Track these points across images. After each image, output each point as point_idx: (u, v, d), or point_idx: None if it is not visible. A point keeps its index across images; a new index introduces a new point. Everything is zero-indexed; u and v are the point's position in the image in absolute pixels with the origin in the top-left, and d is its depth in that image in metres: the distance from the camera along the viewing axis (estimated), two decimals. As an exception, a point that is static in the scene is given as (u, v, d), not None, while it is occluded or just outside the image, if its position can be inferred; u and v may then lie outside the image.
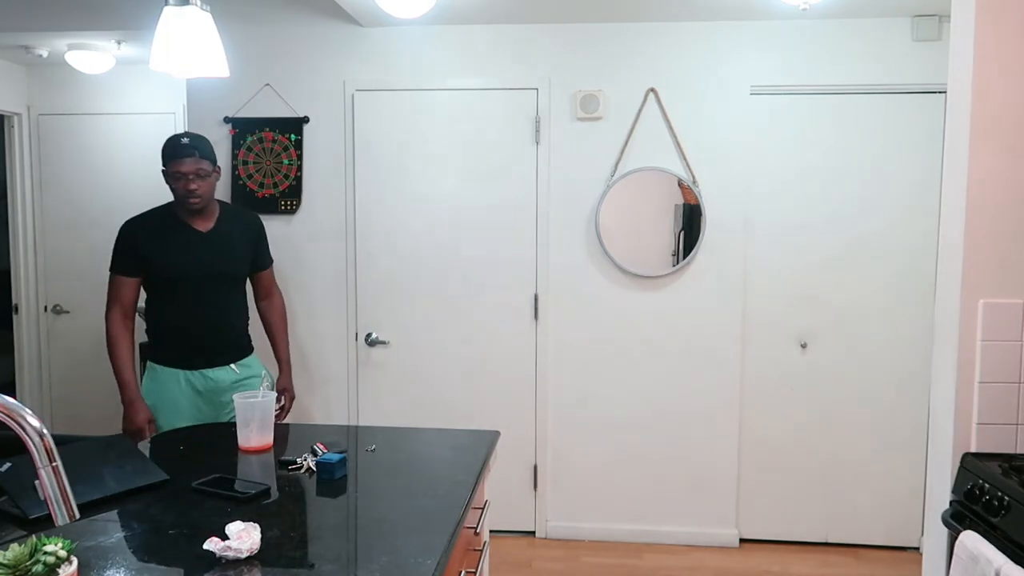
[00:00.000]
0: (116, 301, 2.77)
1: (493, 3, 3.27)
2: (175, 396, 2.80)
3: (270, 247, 3.09)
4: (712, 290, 3.58)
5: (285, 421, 3.05)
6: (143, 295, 2.88)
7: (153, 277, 2.79)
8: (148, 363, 2.86)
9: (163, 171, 2.74)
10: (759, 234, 3.56)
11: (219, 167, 2.83)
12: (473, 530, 1.89)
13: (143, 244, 2.75)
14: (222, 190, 3.70)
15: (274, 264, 3.09)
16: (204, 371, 2.82)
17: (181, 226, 2.78)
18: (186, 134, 2.76)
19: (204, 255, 2.79)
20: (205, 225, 2.81)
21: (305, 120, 3.68)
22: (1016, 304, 2.08)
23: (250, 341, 3.01)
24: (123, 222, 2.81)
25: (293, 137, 3.68)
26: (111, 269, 2.79)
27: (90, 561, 1.42)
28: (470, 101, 3.62)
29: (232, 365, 2.88)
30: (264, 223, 3.08)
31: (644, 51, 3.53)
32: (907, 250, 3.49)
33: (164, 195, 2.81)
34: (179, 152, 2.68)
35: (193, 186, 2.68)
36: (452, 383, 3.72)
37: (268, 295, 3.14)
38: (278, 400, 3.01)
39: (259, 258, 3.04)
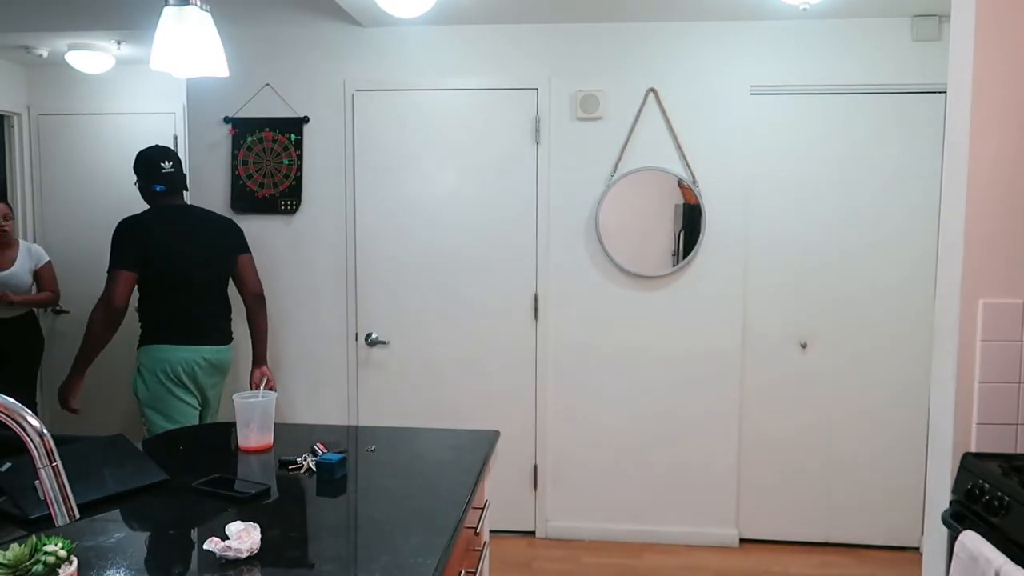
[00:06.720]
0: None
1: (493, 3, 3.27)
2: None
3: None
4: (712, 290, 3.58)
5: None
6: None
7: None
8: None
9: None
10: (759, 234, 3.56)
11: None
12: (473, 530, 1.89)
13: None
14: (222, 190, 3.72)
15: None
16: None
17: None
18: None
19: None
20: None
21: (305, 120, 3.68)
22: (1016, 304, 2.08)
23: None
24: None
25: (293, 137, 3.68)
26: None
27: (90, 561, 1.42)
28: (470, 101, 3.62)
29: None
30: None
31: (644, 51, 3.53)
32: (907, 250, 3.49)
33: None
34: None
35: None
36: (452, 383, 3.72)
37: None
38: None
39: None
